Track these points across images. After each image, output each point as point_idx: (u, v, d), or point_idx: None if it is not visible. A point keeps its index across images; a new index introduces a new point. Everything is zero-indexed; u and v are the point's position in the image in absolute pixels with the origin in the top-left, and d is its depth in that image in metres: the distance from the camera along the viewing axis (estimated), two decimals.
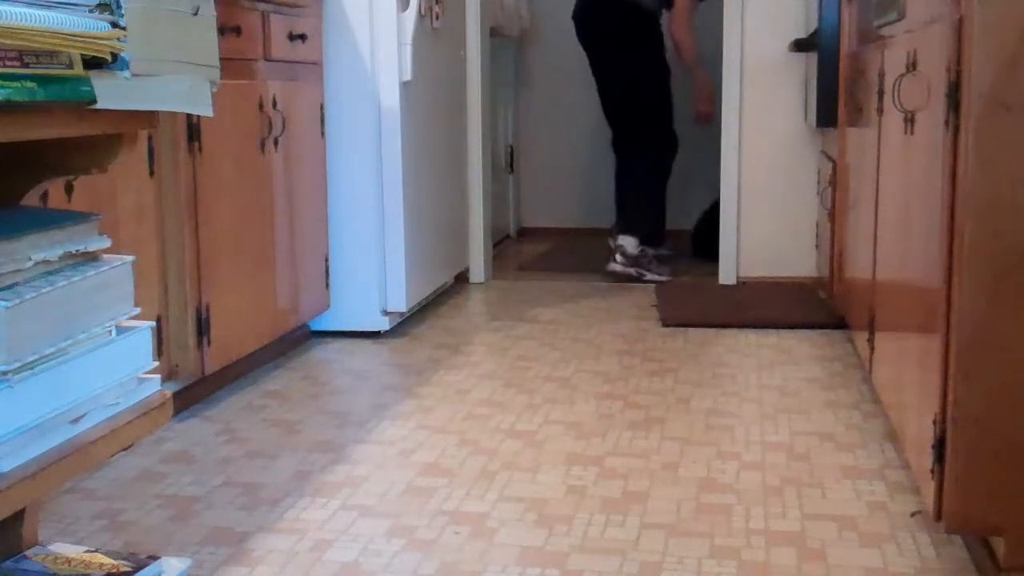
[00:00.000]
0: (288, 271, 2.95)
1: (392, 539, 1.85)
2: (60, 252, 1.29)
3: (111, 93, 1.22)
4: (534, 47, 5.62)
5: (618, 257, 4.22)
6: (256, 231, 2.76)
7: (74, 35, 1.14)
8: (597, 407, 2.59)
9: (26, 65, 1.09)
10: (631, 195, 4.35)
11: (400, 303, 3.31)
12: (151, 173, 2.33)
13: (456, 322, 3.56)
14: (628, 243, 4.21)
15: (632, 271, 4.21)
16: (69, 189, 1.98)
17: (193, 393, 2.59)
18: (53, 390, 1.24)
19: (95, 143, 1.36)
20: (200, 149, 2.46)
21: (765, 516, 1.93)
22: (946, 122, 1.60)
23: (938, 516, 1.63)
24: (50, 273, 1.28)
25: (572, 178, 5.66)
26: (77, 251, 1.33)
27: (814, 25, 3.59)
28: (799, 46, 3.95)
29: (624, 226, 4.27)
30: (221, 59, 1.43)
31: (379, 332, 3.33)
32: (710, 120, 4.53)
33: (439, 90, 3.70)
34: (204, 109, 1.39)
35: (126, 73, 1.23)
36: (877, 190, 2.38)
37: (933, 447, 1.63)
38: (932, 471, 1.64)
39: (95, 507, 2.00)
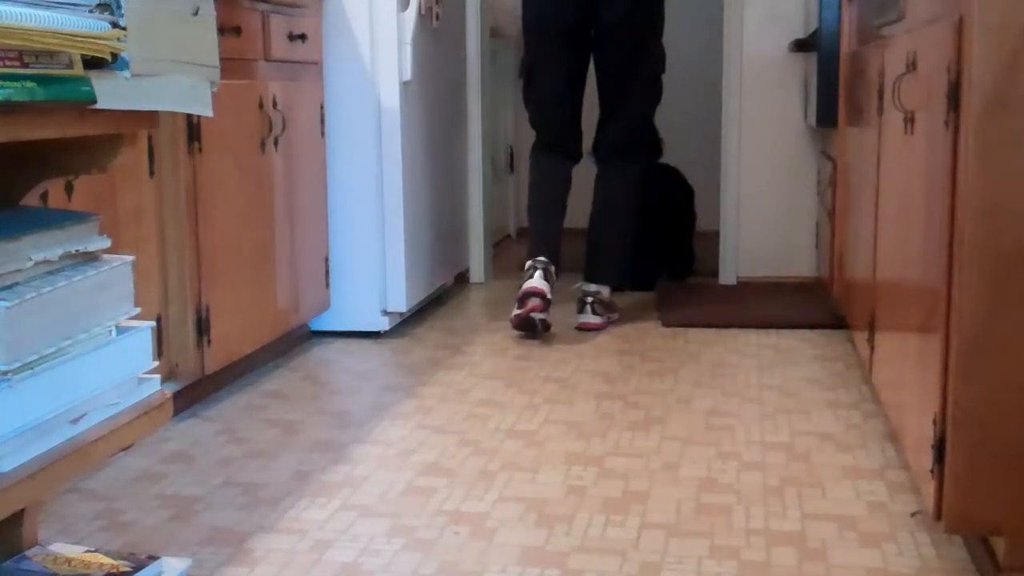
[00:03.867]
0: (288, 271, 2.95)
1: (392, 539, 1.85)
2: (60, 252, 1.29)
3: (111, 93, 1.22)
4: None
5: (595, 308, 3.47)
6: (256, 231, 2.76)
7: (74, 35, 1.14)
8: (597, 407, 2.59)
9: (26, 65, 1.09)
10: (617, 224, 3.55)
11: (400, 303, 3.31)
12: (151, 173, 2.33)
13: (456, 322, 3.56)
14: (604, 291, 3.51)
15: (604, 320, 3.49)
16: (69, 189, 1.98)
17: (193, 393, 2.59)
18: (53, 390, 1.24)
19: (95, 143, 1.36)
20: (200, 149, 2.46)
21: (765, 516, 1.93)
22: (946, 122, 1.60)
23: (938, 516, 1.63)
24: (50, 273, 1.28)
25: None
26: (77, 251, 1.33)
27: (814, 25, 3.59)
28: (799, 46, 3.95)
29: (599, 273, 3.52)
30: (221, 59, 1.43)
31: (379, 332, 3.33)
32: None
33: (439, 90, 3.70)
34: (204, 109, 1.39)
35: (126, 73, 1.23)
36: (877, 190, 2.38)
37: (933, 447, 1.63)
38: (932, 471, 1.64)
39: (95, 507, 2.00)
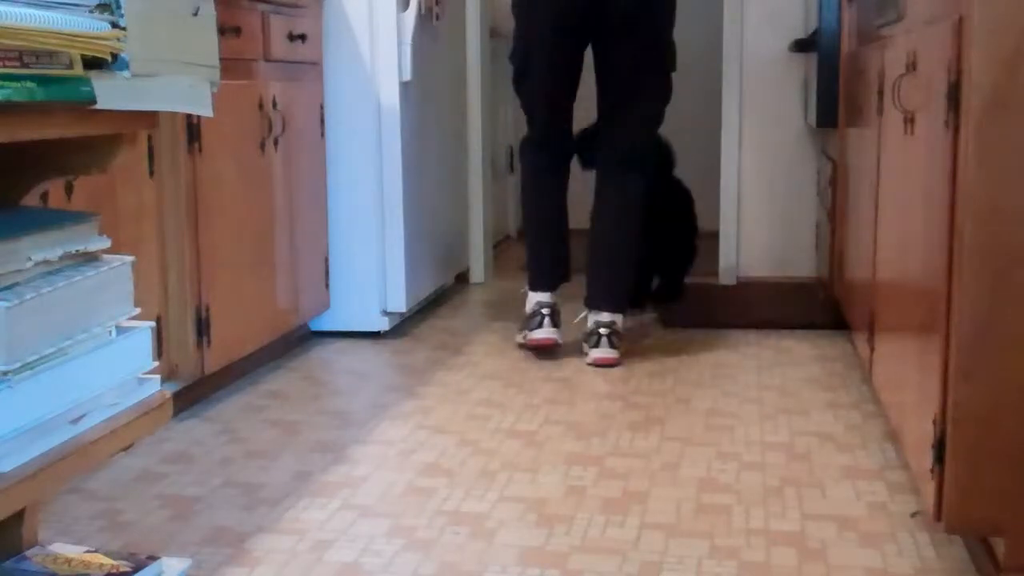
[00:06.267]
0: (288, 271, 2.95)
1: (392, 539, 1.85)
2: (60, 252, 1.29)
3: (111, 93, 1.22)
4: None
5: (613, 340, 3.01)
6: (256, 231, 2.76)
7: (74, 35, 1.14)
8: (597, 407, 2.59)
9: (26, 65, 1.09)
10: (623, 242, 3.16)
11: (400, 303, 3.31)
12: (151, 173, 2.33)
13: (456, 322, 3.56)
14: (619, 320, 3.06)
15: (618, 353, 3.02)
16: (69, 189, 1.98)
17: (193, 393, 2.59)
18: (53, 390, 1.24)
19: (95, 143, 1.36)
20: (200, 149, 2.46)
21: (765, 516, 1.93)
22: (946, 122, 1.60)
23: (938, 516, 1.63)
24: (50, 273, 1.28)
25: (572, 178, 5.64)
26: (77, 251, 1.33)
27: (814, 25, 3.59)
28: (799, 46, 3.95)
29: (612, 301, 3.07)
30: (221, 59, 1.43)
31: (379, 332, 3.33)
32: None
33: (439, 90, 3.70)
34: (204, 109, 1.39)
35: (126, 73, 1.23)
36: (877, 190, 2.38)
37: (933, 447, 1.63)
38: (932, 471, 1.64)
39: (95, 507, 2.00)
